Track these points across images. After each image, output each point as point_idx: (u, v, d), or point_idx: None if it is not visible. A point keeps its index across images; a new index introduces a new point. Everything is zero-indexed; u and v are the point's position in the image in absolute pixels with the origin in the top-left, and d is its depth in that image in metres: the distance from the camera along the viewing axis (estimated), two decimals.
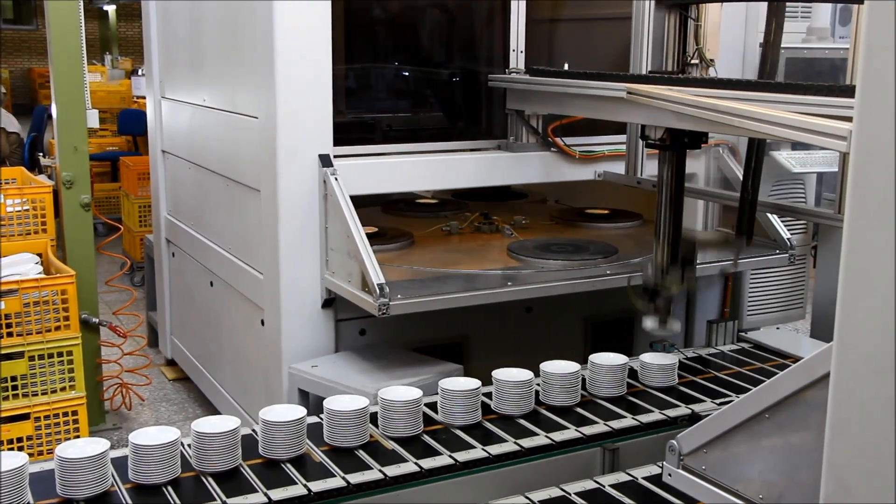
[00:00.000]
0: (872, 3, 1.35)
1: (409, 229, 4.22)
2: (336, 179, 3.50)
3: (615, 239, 4.14)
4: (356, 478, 2.65)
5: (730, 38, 4.26)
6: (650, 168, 4.07)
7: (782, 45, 4.21)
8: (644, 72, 3.76)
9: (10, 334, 3.95)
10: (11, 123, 9.16)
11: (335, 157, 3.58)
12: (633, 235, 4.35)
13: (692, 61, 3.50)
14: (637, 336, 4.37)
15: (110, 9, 19.56)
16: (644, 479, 2.66)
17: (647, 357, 3.43)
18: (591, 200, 4.94)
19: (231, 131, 4.08)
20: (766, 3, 4.32)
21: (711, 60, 3.49)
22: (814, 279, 4.68)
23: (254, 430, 2.89)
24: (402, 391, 2.99)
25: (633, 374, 3.41)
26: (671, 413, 3.13)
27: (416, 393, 2.97)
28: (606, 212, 4.60)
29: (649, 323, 3.40)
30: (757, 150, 3.30)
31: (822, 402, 1.52)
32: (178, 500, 2.54)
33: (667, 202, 3.33)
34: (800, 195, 4.61)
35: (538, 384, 3.19)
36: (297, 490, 2.59)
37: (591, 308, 4.21)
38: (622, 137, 4.11)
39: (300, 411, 2.82)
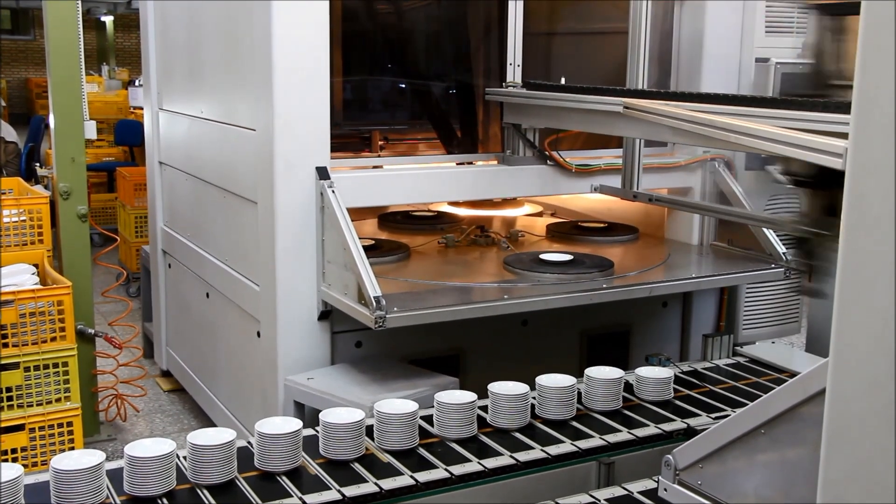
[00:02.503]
0: (868, 19, 1.36)
1: (405, 242, 4.22)
2: (333, 192, 3.51)
3: (611, 252, 4.14)
4: (352, 491, 2.65)
5: (724, 54, 4.28)
6: (646, 182, 4.09)
7: (778, 61, 4.25)
8: (641, 86, 3.79)
9: (5, 345, 3.94)
10: (9, 133, 9.17)
11: (332, 169, 3.59)
12: (630, 249, 4.36)
13: None
14: (633, 350, 4.38)
15: (108, 19, 19.60)
16: (640, 493, 2.66)
17: (643, 371, 3.44)
18: (587, 214, 4.95)
19: (228, 143, 4.08)
20: (762, 19, 4.36)
21: None
22: None
23: (249, 443, 2.89)
24: (398, 404, 2.99)
25: (628, 387, 3.41)
26: (667, 427, 3.13)
27: (411, 406, 2.97)
28: (603, 225, 4.60)
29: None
30: None
31: (818, 418, 1.52)
32: None
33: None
34: (795, 210, 4.62)
35: (534, 397, 3.20)
36: (292, 503, 2.58)
37: (587, 321, 4.22)
38: (618, 151, 4.12)
39: (296, 424, 2.81)
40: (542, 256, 3.93)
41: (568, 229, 4.57)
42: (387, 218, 4.71)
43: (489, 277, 3.81)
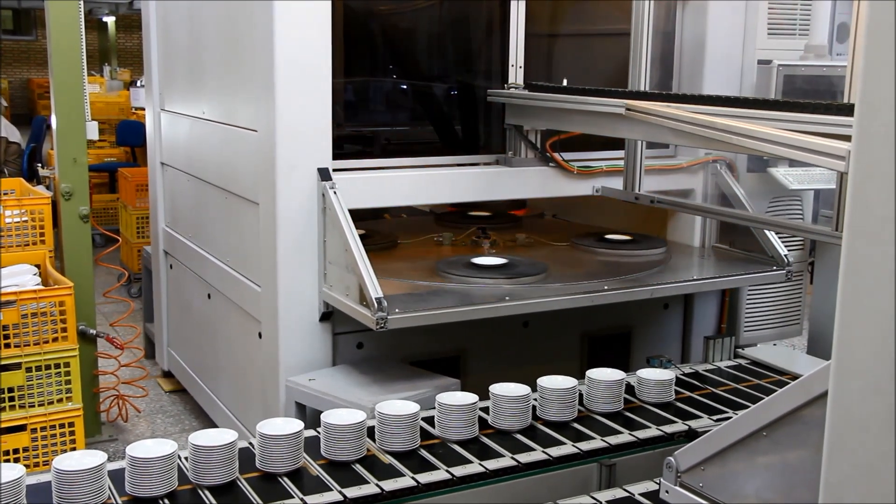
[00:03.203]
0: (872, 21, 1.36)
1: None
2: (335, 193, 3.51)
3: (626, 265, 4.05)
4: (353, 492, 2.65)
5: (726, 55, 4.28)
6: (648, 183, 4.09)
7: (780, 62, 4.25)
8: (643, 88, 3.79)
9: (7, 345, 3.95)
10: (12, 134, 9.17)
11: (334, 170, 3.59)
12: (651, 261, 4.13)
13: None
14: (634, 351, 4.38)
15: (109, 20, 19.60)
16: (641, 495, 2.66)
17: (644, 372, 3.44)
18: (588, 216, 4.95)
19: (230, 144, 4.09)
20: (764, 20, 4.36)
21: None
22: (811, 296, 4.69)
23: (251, 444, 2.89)
24: (399, 405, 2.99)
25: (630, 389, 3.41)
26: (668, 429, 3.13)
27: (413, 407, 2.97)
28: (629, 238, 4.37)
29: None
30: None
31: (820, 421, 1.52)
32: None
33: None
34: (797, 212, 4.62)
35: (535, 399, 3.19)
36: None
37: (588, 323, 4.21)
38: (620, 153, 4.12)
39: (297, 425, 2.82)
40: (474, 260, 3.87)
41: (592, 241, 4.38)
42: (442, 217, 4.83)
43: (416, 279, 3.73)
